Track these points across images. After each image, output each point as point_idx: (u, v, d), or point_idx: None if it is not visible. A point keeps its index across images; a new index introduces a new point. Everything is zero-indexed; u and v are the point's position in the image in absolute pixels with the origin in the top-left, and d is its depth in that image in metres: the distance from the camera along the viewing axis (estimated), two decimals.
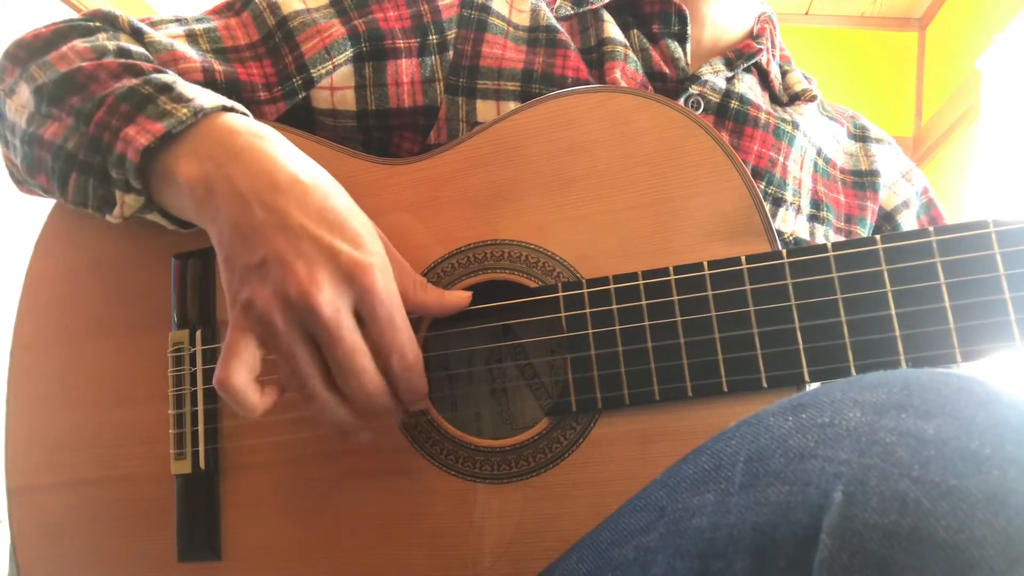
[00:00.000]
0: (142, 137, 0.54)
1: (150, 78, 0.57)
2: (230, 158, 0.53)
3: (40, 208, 0.70)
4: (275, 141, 0.55)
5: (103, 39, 0.63)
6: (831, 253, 0.52)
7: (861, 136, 0.82)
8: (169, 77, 0.58)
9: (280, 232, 0.50)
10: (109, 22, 0.65)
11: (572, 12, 0.72)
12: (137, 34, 0.64)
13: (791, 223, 0.71)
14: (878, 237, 0.51)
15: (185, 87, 0.57)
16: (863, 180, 0.78)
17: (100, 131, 0.56)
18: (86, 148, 0.58)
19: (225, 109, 0.57)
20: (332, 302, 0.49)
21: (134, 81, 0.57)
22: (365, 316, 0.51)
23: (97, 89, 0.58)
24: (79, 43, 0.62)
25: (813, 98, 0.76)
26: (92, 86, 0.58)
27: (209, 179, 0.53)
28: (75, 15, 0.67)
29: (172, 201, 0.57)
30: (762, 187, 0.70)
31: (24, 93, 0.63)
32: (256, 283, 0.50)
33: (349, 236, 0.50)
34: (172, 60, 0.63)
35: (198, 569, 0.61)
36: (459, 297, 0.57)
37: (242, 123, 0.56)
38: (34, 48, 0.64)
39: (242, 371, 0.49)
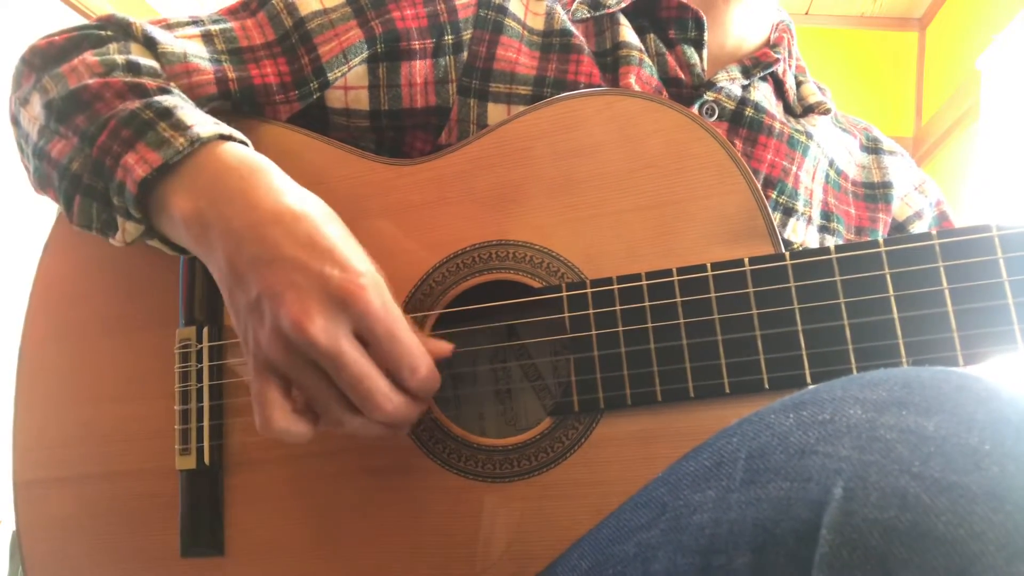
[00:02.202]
0: (140, 168, 0.55)
1: (151, 101, 0.57)
2: (223, 196, 0.53)
3: (49, 206, 0.70)
4: (269, 174, 0.55)
5: (114, 51, 0.63)
6: (834, 256, 0.52)
7: (874, 148, 0.81)
8: (171, 100, 0.58)
9: (271, 266, 0.50)
10: (123, 29, 0.65)
11: (588, 15, 0.72)
12: (150, 43, 0.64)
13: (801, 233, 0.71)
14: (881, 240, 0.51)
15: (185, 113, 0.57)
16: (875, 192, 0.78)
17: (103, 155, 0.57)
18: (90, 172, 0.58)
19: (223, 138, 0.57)
20: (326, 330, 0.48)
21: (136, 104, 0.57)
22: (366, 337, 0.50)
23: (102, 109, 0.58)
24: (90, 56, 0.62)
25: (827, 111, 0.76)
26: (97, 105, 0.59)
27: (203, 216, 0.53)
28: (77, 18, 0.67)
29: (171, 232, 0.58)
30: (774, 196, 0.70)
31: (36, 105, 0.63)
32: (256, 323, 0.50)
33: (339, 261, 0.50)
34: (185, 72, 0.63)
35: (201, 564, 0.61)
36: (438, 347, 0.56)
37: (238, 155, 0.56)
38: (48, 56, 0.64)
39: (277, 414, 0.50)
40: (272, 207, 0.52)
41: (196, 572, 0.61)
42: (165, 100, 0.58)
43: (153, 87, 0.59)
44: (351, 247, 0.52)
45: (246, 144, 0.59)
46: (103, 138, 0.57)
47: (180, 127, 0.56)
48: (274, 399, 0.51)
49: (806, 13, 2.94)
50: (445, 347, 0.56)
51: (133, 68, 0.61)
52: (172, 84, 0.61)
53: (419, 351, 0.52)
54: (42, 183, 0.63)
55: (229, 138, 0.57)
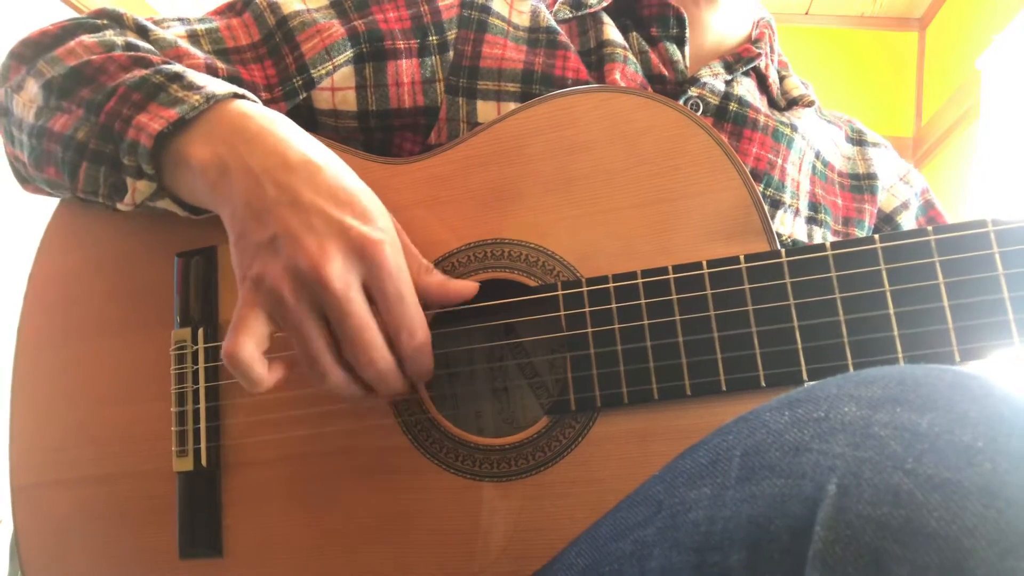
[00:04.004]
0: (155, 123, 0.55)
1: (160, 68, 0.58)
2: (243, 141, 0.54)
3: (43, 208, 0.70)
4: (286, 125, 0.56)
5: (110, 35, 0.63)
6: (830, 252, 0.52)
7: (858, 140, 0.82)
8: (178, 67, 0.59)
9: (291, 209, 0.50)
10: (115, 20, 0.66)
11: (571, 15, 0.73)
12: (142, 31, 0.65)
13: (789, 225, 0.71)
14: (877, 236, 0.51)
15: (195, 76, 0.58)
16: (861, 183, 0.78)
17: (111, 120, 0.57)
18: (97, 137, 0.58)
19: (236, 96, 0.57)
20: (342, 276, 0.49)
21: (144, 71, 0.58)
22: (374, 292, 0.51)
23: (107, 80, 0.59)
24: (86, 38, 0.63)
25: (811, 103, 0.77)
26: (102, 78, 0.59)
27: (223, 161, 0.53)
28: (77, 15, 0.67)
29: (184, 186, 0.58)
30: (760, 189, 0.70)
31: (32, 88, 0.63)
32: (267, 258, 0.50)
33: (359, 212, 0.51)
34: (176, 57, 0.63)
35: (200, 566, 0.61)
36: (464, 286, 0.57)
37: (253, 108, 0.56)
38: (41, 45, 0.65)
39: (250, 344, 0.50)
40: (292, 153, 0.53)
41: (195, 573, 0.61)
42: (172, 67, 0.58)
43: (157, 60, 0.60)
44: (372, 201, 0.53)
45: (257, 102, 0.59)
46: (112, 104, 0.57)
47: (193, 87, 0.56)
48: (255, 329, 0.50)
49: (806, 13, 2.94)
50: (469, 286, 0.57)
51: (132, 47, 0.62)
52: None
53: (421, 318, 0.53)
54: (40, 163, 0.63)
55: (242, 96, 0.58)
